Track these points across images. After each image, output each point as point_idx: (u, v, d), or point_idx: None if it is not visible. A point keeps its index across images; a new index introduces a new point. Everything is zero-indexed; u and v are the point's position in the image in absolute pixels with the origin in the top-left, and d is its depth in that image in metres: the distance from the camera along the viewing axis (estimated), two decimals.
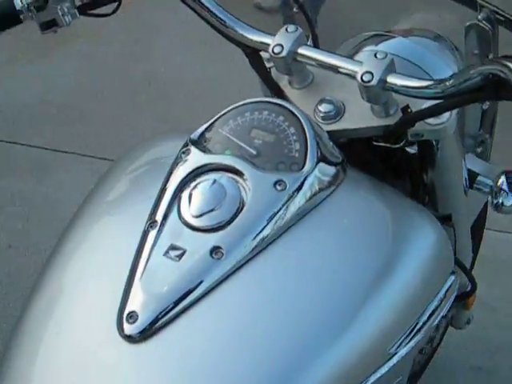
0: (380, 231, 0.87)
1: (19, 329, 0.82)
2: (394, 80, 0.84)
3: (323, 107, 0.93)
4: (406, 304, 0.84)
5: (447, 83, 0.80)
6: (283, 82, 0.97)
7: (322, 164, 0.84)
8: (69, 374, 0.76)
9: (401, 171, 1.03)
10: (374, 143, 0.93)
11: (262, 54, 0.95)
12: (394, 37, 1.05)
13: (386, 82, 0.84)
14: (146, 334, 0.75)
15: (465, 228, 1.13)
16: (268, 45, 0.91)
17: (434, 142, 0.93)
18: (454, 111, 0.88)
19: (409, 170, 1.03)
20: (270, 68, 0.97)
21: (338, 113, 0.93)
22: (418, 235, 0.90)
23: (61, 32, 1.00)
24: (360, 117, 0.92)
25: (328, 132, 0.90)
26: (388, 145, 0.92)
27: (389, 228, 0.88)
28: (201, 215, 0.79)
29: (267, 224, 0.80)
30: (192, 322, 0.76)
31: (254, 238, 0.79)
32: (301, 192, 0.82)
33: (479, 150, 1.25)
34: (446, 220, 1.02)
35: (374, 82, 0.83)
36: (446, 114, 0.88)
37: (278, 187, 0.81)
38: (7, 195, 2.31)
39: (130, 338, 0.75)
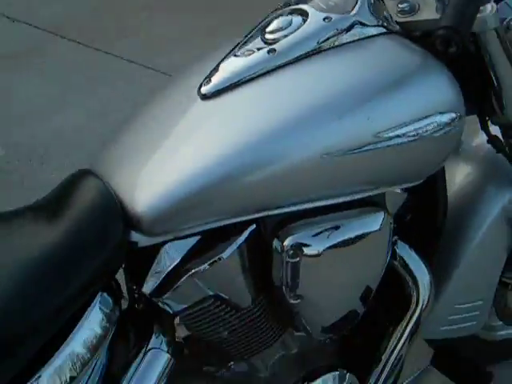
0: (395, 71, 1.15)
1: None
2: None
3: (402, 4, 1.17)
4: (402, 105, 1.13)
5: None
6: None
7: (366, 14, 1.17)
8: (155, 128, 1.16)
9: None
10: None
11: None
12: None
13: None
14: (217, 93, 1.12)
15: None
16: None
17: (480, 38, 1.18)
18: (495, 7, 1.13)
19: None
20: None
21: (412, 9, 1.17)
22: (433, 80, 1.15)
23: None
24: (428, 13, 1.15)
25: (402, 23, 1.18)
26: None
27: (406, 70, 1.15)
28: (273, 31, 1.16)
29: (312, 43, 1.15)
30: (253, 91, 1.13)
31: (303, 48, 1.14)
32: (343, 29, 1.16)
33: None
34: None
35: None
36: (488, 8, 1.12)
37: (326, 20, 1.15)
38: None
39: (204, 96, 1.12)
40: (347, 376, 1.33)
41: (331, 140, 1.10)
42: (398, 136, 1.12)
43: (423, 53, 1.16)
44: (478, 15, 1.10)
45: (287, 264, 1.12)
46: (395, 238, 1.28)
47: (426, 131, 1.13)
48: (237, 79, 1.13)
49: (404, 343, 1.36)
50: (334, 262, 1.18)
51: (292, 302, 1.16)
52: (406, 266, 1.33)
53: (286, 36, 1.15)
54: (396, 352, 1.36)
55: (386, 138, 1.11)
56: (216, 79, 1.14)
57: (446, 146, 1.22)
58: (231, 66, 1.15)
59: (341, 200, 1.15)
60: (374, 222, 1.19)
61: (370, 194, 1.18)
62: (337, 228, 1.16)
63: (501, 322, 1.76)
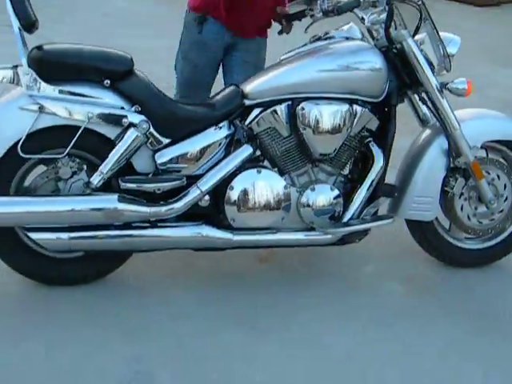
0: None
1: None
2: None
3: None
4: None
5: None
6: None
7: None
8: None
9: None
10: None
11: None
12: None
13: None
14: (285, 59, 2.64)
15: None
16: None
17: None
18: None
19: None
20: None
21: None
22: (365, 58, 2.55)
23: None
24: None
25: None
26: None
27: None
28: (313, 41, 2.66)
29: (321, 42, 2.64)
30: (293, 59, 2.63)
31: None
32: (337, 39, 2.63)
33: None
34: None
35: None
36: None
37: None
38: None
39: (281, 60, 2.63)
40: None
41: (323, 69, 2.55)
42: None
43: (371, 46, 2.60)
44: (398, 32, 2.57)
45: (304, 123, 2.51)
46: (370, 138, 2.62)
47: (363, 69, 2.53)
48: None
49: (364, 196, 2.63)
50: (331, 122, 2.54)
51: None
52: (371, 153, 2.62)
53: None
54: (360, 199, 2.64)
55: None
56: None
57: (373, 80, 2.56)
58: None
59: (337, 96, 2.55)
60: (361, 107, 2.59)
61: (353, 97, 2.55)
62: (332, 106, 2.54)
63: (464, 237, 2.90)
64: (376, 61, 2.54)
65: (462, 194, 2.77)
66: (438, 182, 2.70)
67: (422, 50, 2.58)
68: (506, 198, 2.81)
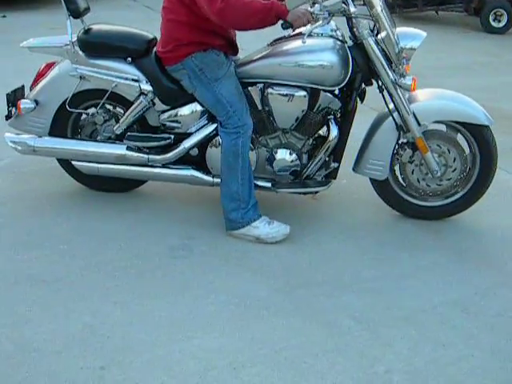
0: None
1: None
2: None
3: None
4: None
5: None
6: None
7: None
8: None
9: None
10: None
11: None
12: None
13: None
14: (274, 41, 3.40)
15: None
16: None
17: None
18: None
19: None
20: None
21: None
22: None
23: None
24: None
25: None
26: None
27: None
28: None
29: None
30: (278, 44, 3.36)
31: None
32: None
33: None
34: None
35: None
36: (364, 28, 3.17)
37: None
38: None
39: (271, 42, 3.42)
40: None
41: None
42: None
43: (333, 45, 3.16)
44: (361, 32, 3.13)
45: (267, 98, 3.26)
46: (331, 116, 3.29)
47: (308, 65, 3.16)
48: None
49: (319, 159, 3.34)
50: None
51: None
52: (328, 127, 3.29)
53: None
54: (315, 162, 3.35)
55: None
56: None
57: (324, 75, 3.16)
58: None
59: (299, 84, 3.21)
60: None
61: (312, 86, 3.20)
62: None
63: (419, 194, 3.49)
64: (331, 59, 3.11)
65: (413, 161, 3.37)
66: (388, 151, 3.31)
67: (382, 49, 3.11)
68: (455, 169, 3.35)
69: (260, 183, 3.37)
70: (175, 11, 3.13)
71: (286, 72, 3.18)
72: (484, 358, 2.46)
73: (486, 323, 2.66)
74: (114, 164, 3.42)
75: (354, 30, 3.15)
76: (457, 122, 3.31)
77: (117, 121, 3.44)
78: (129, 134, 3.39)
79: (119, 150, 3.38)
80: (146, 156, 3.36)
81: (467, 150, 3.36)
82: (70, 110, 3.41)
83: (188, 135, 3.35)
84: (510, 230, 3.42)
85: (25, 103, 3.41)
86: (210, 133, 3.32)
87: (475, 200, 3.43)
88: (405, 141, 3.33)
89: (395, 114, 3.26)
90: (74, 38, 3.33)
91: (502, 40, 8.21)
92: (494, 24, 8.45)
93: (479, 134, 3.31)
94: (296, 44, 3.19)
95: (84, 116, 3.52)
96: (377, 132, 3.32)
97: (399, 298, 2.82)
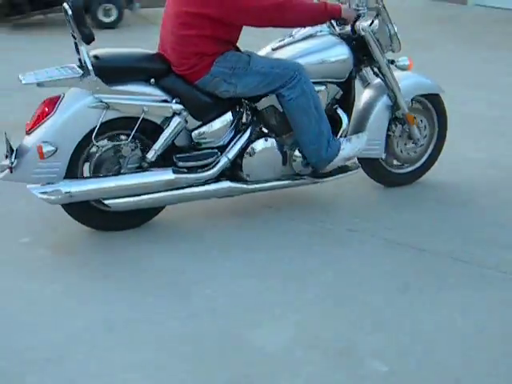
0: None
1: None
2: None
3: None
4: None
5: None
6: None
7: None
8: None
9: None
10: None
11: None
12: None
13: None
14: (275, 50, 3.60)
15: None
16: None
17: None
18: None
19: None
20: None
21: None
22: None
23: None
24: None
25: None
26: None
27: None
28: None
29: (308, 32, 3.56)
30: (282, 50, 3.58)
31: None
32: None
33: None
34: None
35: None
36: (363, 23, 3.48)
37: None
38: None
39: (273, 49, 3.61)
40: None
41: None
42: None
43: (340, 40, 3.52)
44: (361, 26, 3.46)
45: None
46: (336, 105, 3.59)
47: (331, 61, 3.46)
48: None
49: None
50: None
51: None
52: (339, 116, 3.57)
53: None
54: None
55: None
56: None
57: (342, 68, 3.50)
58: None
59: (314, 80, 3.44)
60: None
61: (325, 80, 3.50)
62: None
63: (396, 164, 3.96)
64: (346, 53, 3.46)
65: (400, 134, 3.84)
66: (383, 129, 3.73)
67: (376, 37, 3.50)
68: (425, 135, 3.91)
69: (300, 181, 3.54)
70: (197, 26, 3.10)
71: (309, 70, 3.36)
72: None
73: None
74: (153, 193, 3.21)
75: (356, 24, 3.46)
76: (421, 95, 3.87)
77: (142, 150, 3.22)
78: (178, 155, 3.22)
79: (166, 175, 3.18)
80: (194, 176, 3.24)
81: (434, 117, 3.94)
82: (97, 143, 3.09)
83: (224, 147, 3.32)
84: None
85: (46, 146, 2.99)
86: (247, 140, 3.35)
87: (438, 155, 4.04)
88: (393, 117, 3.77)
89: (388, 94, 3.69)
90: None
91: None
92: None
93: (436, 102, 3.92)
94: (310, 44, 3.44)
95: (96, 151, 3.19)
96: (372, 113, 3.69)
97: None
